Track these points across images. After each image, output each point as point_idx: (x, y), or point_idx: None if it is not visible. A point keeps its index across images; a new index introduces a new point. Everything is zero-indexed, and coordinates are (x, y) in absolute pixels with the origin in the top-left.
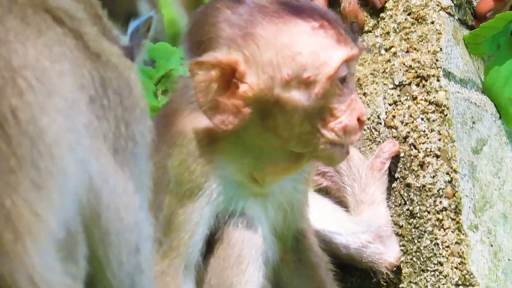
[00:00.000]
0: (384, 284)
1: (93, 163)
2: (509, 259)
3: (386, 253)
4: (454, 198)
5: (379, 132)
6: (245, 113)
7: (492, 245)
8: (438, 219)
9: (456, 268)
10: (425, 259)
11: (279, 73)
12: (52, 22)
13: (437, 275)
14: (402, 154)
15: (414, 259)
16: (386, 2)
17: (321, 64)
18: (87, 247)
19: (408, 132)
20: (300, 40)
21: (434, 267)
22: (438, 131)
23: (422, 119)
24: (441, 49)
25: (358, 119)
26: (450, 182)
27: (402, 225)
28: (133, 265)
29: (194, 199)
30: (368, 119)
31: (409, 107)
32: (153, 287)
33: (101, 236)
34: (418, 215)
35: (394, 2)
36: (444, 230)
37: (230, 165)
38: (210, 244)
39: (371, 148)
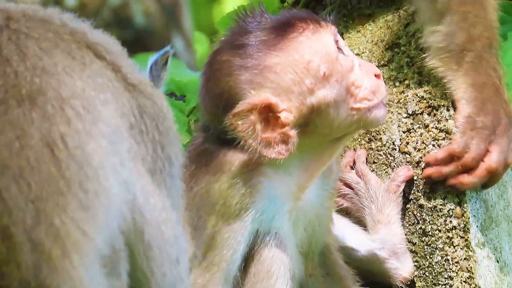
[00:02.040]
0: None
1: (136, 184)
2: None
3: (401, 268)
4: (463, 217)
5: (394, 157)
6: (293, 136)
7: (498, 261)
8: (448, 237)
9: (465, 282)
10: (436, 274)
11: (304, 86)
12: (94, 56)
13: None
14: (415, 178)
15: (427, 273)
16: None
17: (324, 55)
18: (131, 262)
19: (421, 158)
20: (303, 50)
21: (445, 281)
22: None
23: (433, 145)
24: None
25: (375, 75)
26: (459, 203)
27: (416, 242)
28: (174, 275)
29: (240, 219)
30: (384, 145)
31: (421, 134)
32: None
33: (145, 250)
34: (430, 233)
35: (407, 38)
36: (454, 247)
37: (275, 183)
38: (245, 260)
39: (386, 172)
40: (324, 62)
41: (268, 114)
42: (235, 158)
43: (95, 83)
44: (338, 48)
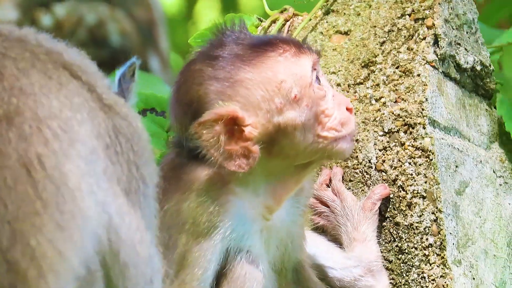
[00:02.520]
0: None
1: (111, 204)
2: None
3: (377, 286)
4: (439, 235)
5: (370, 175)
6: (256, 151)
7: (474, 278)
8: (424, 255)
9: None
10: None
11: (273, 104)
12: (70, 76)
13: None
14: (391, 195)
15: None
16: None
17: (299, 79)
18: (107, 283)
19: (397, 175)
20: (278, 69)
21: None
22: (424, 174)
23: (410, 163)
24: (426, 99)
25: (347, 109)
26: (435, 220)
27: (392, 260)
28: None
29: (209, 237)
30: (360, 163)
31: (397, 152)
32: None
33: (122, 269)
34: (406, 251)
35: (384, 56)
36: (430, 264)
37: (244, 202)
38: (217, 278)
39: (363, 190)
40: (297, 85)
41: (233, 126)
42: (203, 176)
43: (72, 103)
44: (316, 77)
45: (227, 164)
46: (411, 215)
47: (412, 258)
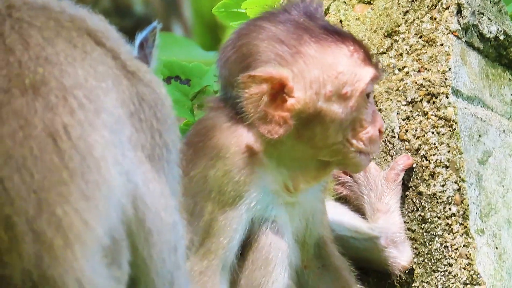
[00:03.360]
0: (398, 283)
1: (137, 172)
2: None
3: (400, 257)
4: (462, 205)
5: (393, 145)
6: (290, 124)
7: (497, 248)
8: (447, 224)
9: (464, 268)
10: (435, 260)
11: (323, 89)
12: (94, 43)
13: (447, 275)
14: (414, 165)
15: (426, 260)
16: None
17: (356, 81)
18: (133, 252)
19: (420, 145)
20: (342, 61)
21: (444, 267)
22: (447, 144)
23: (433, 133)
24: (449, 69)
25: (379, 130)
26: (458, 190)
27: (415, 229)
28: (172, 262)
29: (235, 207)
30: (383, 132)
31: (420, 122)
32: (188, 282)
33: (146, 236)
34: (429, 220)
35: (407, 26)
36: (453, 234)
37: (268, 175)
38: (243, 247)
39: (385, 160)
40: (352, 84)
41: (279, 93)
42: (232, 144)
43: (97, 72)
44: (370, 92)
45: (259, 124)
46: (434, 185)
47: (435, 227)
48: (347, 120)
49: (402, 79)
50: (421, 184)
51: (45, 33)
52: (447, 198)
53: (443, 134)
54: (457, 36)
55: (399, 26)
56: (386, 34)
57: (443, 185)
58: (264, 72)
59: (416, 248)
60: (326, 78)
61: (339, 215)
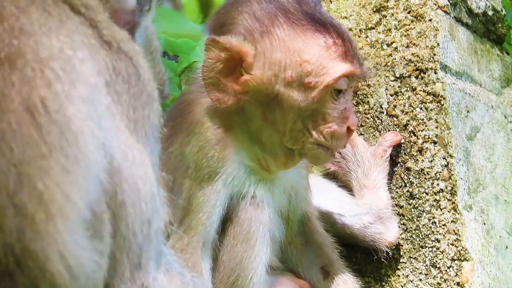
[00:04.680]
0: (386, 259)
1: (114, 142)
2: (500, 236)
3: (386, 233)
4: (450, 180)
5: (381, 120)
6: (241, 99)
7: (485, 224)
8: (435, 200)
9: (452, 244)
10: (423, 236)
11: (283, 73)
12: (70, 12)
13: (435, 251)
14: (402, 141)
15: (414, 236)
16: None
17: (322, 74)
18: (115, 223)
19: (408, 121)
20: (311, 50)
21: (432, 243)
22: (436, 119)
23: (421, 108)
24: (438, 44)
25: (348, 128)
26: (446, 166)
27: (403, 205)
28: (144, 235)
29: (211, 183)
30: (371, 108)
31: (409, 97)
32: (161, 256)
33: (119, 208)
34: (417, 196)
35: (395, 1)
36: (441, 210)
37: (243, 152)
38: (223, 223)
39: (374, 135)
40: (317, 76)
41: (237, 65)
42: (206, 117)
43: (73, 41)
44: (343, 90)
45: (209, 90)
46: (422, 160)
47: (423, 203)
48: (307, 110)
49: (390, 55)
50: (409, 159)
51: (19, 2)
52: (435, 174)
53: (431, 110)
54: (445, 12)
55: (387, 1)
56: (374, 9)
57: (431, 161)
58: (226, 41)
59: (404, 224)
60: (288, 62)
61: (326, 191)
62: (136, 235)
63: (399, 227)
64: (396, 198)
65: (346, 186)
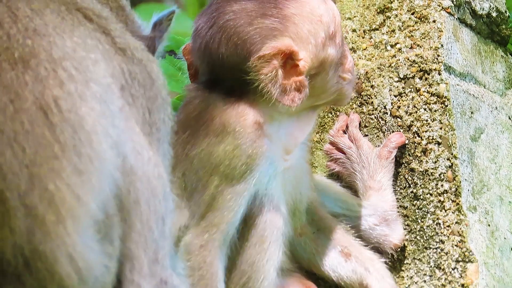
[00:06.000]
0: (390, 261)
1: (128, 143)
2: (505, 238)
3: (391, 235)
4: (454, 181)
5: (385, 121)
6: (306, 86)
7: (489, 225)
8: (439, 201)
9: (456, 246)
10: (428, 237)
11: (318, 38)
12: (83, 18)
13: (439, 252)
14: (406, 142)
15: (418, 237)
16: (392, 2)
17: (333, 17)
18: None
19: (412, 121)
20: (314, 4)
21: (436, 245)
22: (440, 120)
23: (425, 109)
24: (442, 45)
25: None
26: (450, 167)
27: (407, 206)
28: (160, 231)
29: (244, 181)
30: (375, 109)
31: (413, 98)
32: (174, 252)
33: (134, 205)
34: (421, 197)
35: (399, 2)
36: (445, 211)
37: (273, 145)
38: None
39: (377, 136)
40: (332, 21)
41: (288, 61)
42: (240, 119)
43: (85, 44)
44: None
45: (282, 98)
46: (426, 161)
47: (427, 204)
48: (339, 58)
49: (394, 56)
50: (413, 160)
51: (33, 5)
52: (439, 175)
53: (435, 111)
54: (449, 13)
55: (391, 2)
56: (378, 10)
57: (435, 162)
58: (270, 48)
59: (408, 225)
60: (316, 27)
61: (331, 192)
62: (152, 231)
63: (403, 228)
64: (400, 199)
65: (350, 187)
